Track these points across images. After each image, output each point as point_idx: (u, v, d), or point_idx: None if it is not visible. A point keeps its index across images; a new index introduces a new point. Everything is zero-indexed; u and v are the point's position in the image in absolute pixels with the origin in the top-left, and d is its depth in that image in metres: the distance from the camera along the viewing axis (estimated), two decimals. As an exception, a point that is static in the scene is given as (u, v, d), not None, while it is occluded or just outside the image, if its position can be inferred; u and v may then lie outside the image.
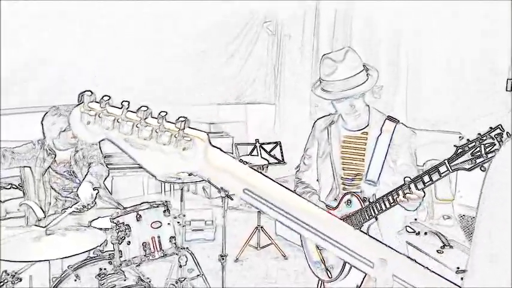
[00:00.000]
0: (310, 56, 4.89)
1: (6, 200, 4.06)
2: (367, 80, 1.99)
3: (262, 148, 4.11)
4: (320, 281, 2.22)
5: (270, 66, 5.40)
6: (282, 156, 4.13)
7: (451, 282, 1.03)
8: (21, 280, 2.25)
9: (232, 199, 2.99)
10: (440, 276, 1.03)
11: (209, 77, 5.20)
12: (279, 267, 3.92)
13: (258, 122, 5.47)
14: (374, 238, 1.06)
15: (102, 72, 4.52)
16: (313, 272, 2.17)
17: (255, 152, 4.14)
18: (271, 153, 4.12)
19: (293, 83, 5.10)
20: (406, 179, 1.83)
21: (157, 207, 2.58)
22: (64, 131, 2.88)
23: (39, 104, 4.24)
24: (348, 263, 1.04)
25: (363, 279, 1.95)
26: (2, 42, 4.21)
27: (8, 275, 2.19)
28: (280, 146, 4.14)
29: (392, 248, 1.03)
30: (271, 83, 5.42)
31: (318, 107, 2.07)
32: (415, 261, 1.04)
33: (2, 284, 2.22)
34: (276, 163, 4.08)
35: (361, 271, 1.03)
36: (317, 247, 2.11)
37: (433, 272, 1.03)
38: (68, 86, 4.45)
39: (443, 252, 2.64)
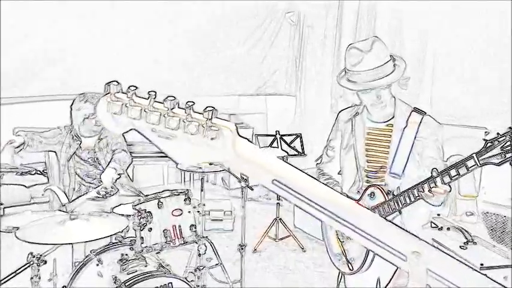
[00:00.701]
0: (332, 48, 4.84)
1: (31, 186, 4.16)
2: (394, 70, 1.94)
3: (283, 140, 4.09)
4: (340, 274, 2.20)
5: (292, 57, 5.36)
6: (302, 148, 4.10)
7: (488, 277, 1.00)
8: (46, 262, 2.30)
9: (252, 189, 2.99)
10: (476, 270, 1.00)
11: (230, 68, 5.20)
12: (297, 259, 3.92)
13: (278, 114, 5.46)
14: (406, 230, 1.03)
15: (121, 63, 4.55)
16: (334, 264, 2.15)
17: (275, 144, 4.13)
18: (291, 145, 4.10)
19: (314, 74, 5.06)
20: (432, 172, 1.79)
21: (178, 195, 2.60)
22: (88, 117, 2.91)
23: (65, 92, 4.32)
24: (379, 256, 1.01)
25: (394, 273, 1.92)
26: (24, 32, 4.28)
27: (34, 256, 2.25)
28: (301, 138, 4.11)
29: (426, 241, 1.00)
30: (292, 74, 5.39)
31: (342, 98, 2.03)
32: (450, 255, 1.00)
33: (28, 265, 2.28)
34: (295, 155, 4.06)
35: (394, 265, 1.00)
36: (338, 239, 2.09)
37: (469, 266, 1.00)
38: (90, 75, 4.50)
39: (466, 248, 2.60)
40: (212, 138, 0.92)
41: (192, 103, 0.93)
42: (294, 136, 4.14)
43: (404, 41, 4.16)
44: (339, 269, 2.14)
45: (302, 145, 4.11)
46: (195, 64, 5.01)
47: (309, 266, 3.80)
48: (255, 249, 4.01)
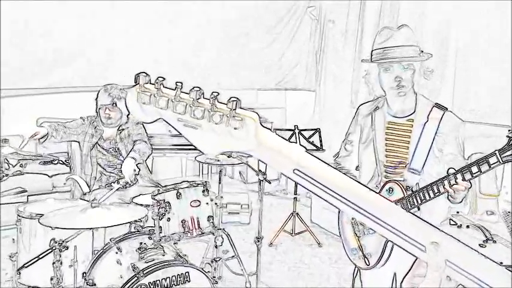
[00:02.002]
0: (353, 43, 4.79)
1: (53, 175, 4.26)
2: (419, 55, 1.94)
3: (301, 134, 4.08)
4: (356, 269, 2.20)
5: (312, 52, 5.33)
6: (321, 143, 4.09)
7: (508, 269, 0.99)
8: (67, 248, 2.36)
9: (270, 182, 3.00)
10: (495, 262, 0.99)
11: (250, 62, 5.21)
12: (313, 254, 3.92)
13: (298, 109, 5.44)
14: (426, 221, 1.02)
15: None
16: (350, 259, 2.14)
17: (293, 138, 4.12)
18: (309, 139, 4.09)
19: (335, 69, 5.02)
20: (450, 170, 1.77)
21: (197, 186, 2.63)
22: (101, 108, 2.98)
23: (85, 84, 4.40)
24: (398, 246, 1.01)
25: (412, 264, 1.91)
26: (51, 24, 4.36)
27: (56, 242, 2.31)
28: (319, 133, 4.09)
29: (445, 232, 0.99)
30: (312, 69, 5.36)
31: (368, 74, 1.99)
32: (470, 246, 1.00)
33: (50, 250, 2.34)
34: (314, 150, 4.05)
35: (413, 255, 1.00)
36: (355, 234, 2.09)
37: (488, 258, 0.99)
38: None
39: (485, 246, 2.56)
40: (235, 128, 0.96)
41: (217, 93, 0.97)
42: (313, 131, 4.12)
43: (426, 37, 4.10)
44: (355, 264, 2.14)
45: (320, 140, 4.10)
46: (205, 59, 5.02)
47: (325, 261, 3.80)
48: (271, 243, 4.02)
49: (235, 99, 0.96)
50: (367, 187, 1.07)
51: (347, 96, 4.81)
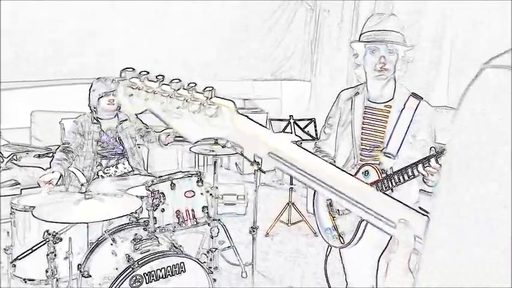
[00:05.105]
0: (349, 33, 4.76)
1: (48, 168, 4.24)
2: (404, 42, 2.02)
3: (296, 124, 4.08)
4: (329, 249, 2.27)
5: (307, 42, 5.31)
6: (316, 133, 4.08)
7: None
8: (61, 240, 2.35)
9: (264, 172, 3.01)
10: None
11: (245, 53, 5.18)
12: (309, 244, 3.93)
13: (293, 99, 5.43)
14: (396, 199, 1.11)
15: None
16: (323, 239, 2.20)
17: (288, 129, 4.12)
18: (305, 129, 4.08)
19: (330, 59, 5.00)
20: (431, 150, 1.86)
21: (191, 176, 2.62)
22: (101, 97, 3.00)
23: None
24: (372, 224, 1.07)
25: (388, 242, 1.96)
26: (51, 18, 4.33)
27: (50, 234, 2.30)
28: (315, 123, 4.09)
29: (414, 209, 1.05)
30: (307, 59, 5.34)
31: (355, 55, 2.07)
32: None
33: (43, 242, 2.34)
34: (309, 140, 4.05)
35: (384, 231, 1.06)
36: (330, 214, 2.13)
37: None
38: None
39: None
40: (211, 116, 1.04)
41: (194, 84, 1.06)
42: (308, 121, 4.12)
43: (421, 27, 4.08)
44: (328, 243, 2.20)
45: (316, 130, 4.09)
46: (204, 55, 5.00)
47: (321, 250, 3.80)
48: (267, 233, 4.03)
49: (210, 88, 1.05)
50: (340, 168, 1.14)
51: (342, 86, 4.79)
